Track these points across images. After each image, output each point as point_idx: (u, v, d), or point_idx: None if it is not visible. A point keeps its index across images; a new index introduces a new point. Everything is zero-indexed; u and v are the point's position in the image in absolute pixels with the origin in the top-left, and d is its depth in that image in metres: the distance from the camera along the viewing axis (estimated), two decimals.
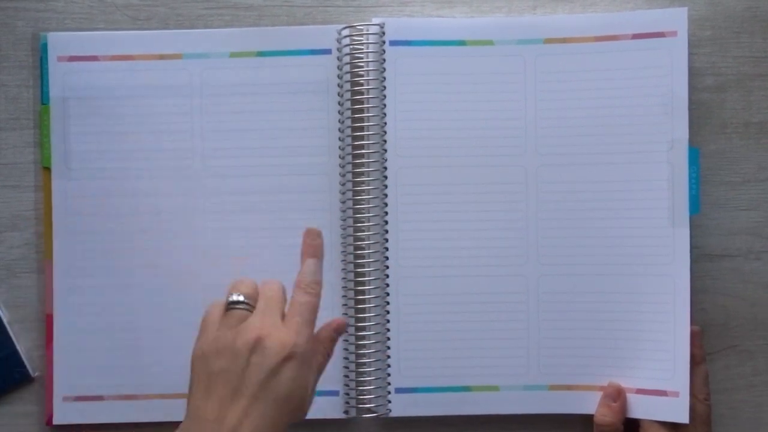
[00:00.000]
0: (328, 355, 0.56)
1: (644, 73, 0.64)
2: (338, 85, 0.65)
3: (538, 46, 0.64)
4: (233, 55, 0.65)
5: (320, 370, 0.55)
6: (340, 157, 0.65)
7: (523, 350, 0.64)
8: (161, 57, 0.65)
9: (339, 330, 0.57)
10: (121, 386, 0.65)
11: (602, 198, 0.64)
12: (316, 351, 0.54)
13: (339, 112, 0.65)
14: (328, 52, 0.65)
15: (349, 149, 0.64)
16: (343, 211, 0.65)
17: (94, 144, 0.65)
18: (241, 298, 0.53)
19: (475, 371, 0.64)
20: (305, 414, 0.52)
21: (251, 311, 0.53)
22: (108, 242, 0.65)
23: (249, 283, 0.55)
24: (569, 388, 0.64)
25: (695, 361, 0.63)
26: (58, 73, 0.65)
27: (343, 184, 0.65)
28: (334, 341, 0.56)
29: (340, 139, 0.65)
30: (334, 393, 0.65)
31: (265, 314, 0.53)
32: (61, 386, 0.65)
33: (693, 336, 0.63)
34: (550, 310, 0.64)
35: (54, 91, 0.65)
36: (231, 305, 0.53)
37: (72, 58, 0.65)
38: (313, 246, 0.57)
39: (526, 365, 0.64)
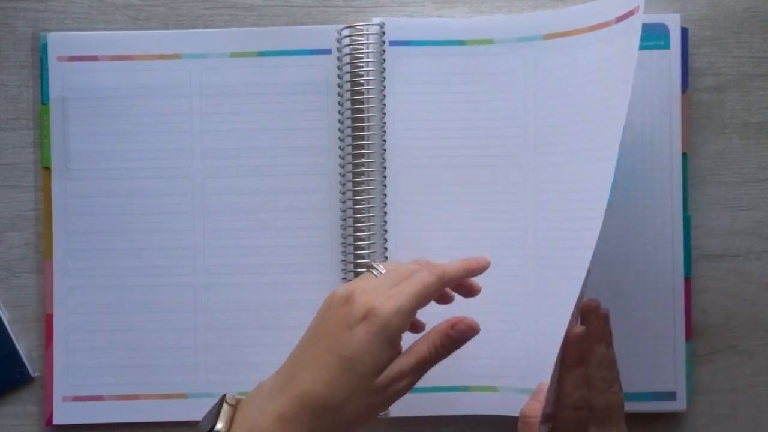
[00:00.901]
0: (434, 348, 0.52)
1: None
2: (338, 85, 0.65)
3: (539, 42, 0.64)
4: (233, 55, 0.65)
5: (419, 362, 0.52)
6: (340, 157, 0.65)
7: (523, 351, 0.64)
8: (161, 57, 0.65)
9: (460, 331, 0.53)
10: (121, 386, 0.65)
11: (601, 197, 0.64)
12: (404, 328, 0.51)
13: (339, 112, 0.65)
14: (328, 52, 0.65)
15: (349, 149, 0.64)
16: (343, 211, 0.65)
17: (93, 144, 0.65)
18: (376, 266, 0.54)
19: (474, 371, 0.64)
20: (380, 394, 0.50)
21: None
22: (108, 242, 0.65)
23: (400, 262, 0.55)
24: None
25: (567, 364, 0.55)
26: (58, 73, 0.65)
27: (343, 184, 0.65)
28: (449, 338, 0.53)
29: (340, 139, 0.65)
30: None
31: (379, 280, 0.52)
32: (60, 386, 0.65)
33: (574, 336, 0.54)
34: (549, 313, 0.64)
35: (54, 91, 0.65)
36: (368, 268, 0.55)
37: (72, 58, 0.65)
38: (478, 266, 0.57)
39: (526, 367, 0.64)
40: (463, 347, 0.64)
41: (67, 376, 0.65)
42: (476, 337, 0.63)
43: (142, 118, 0.65)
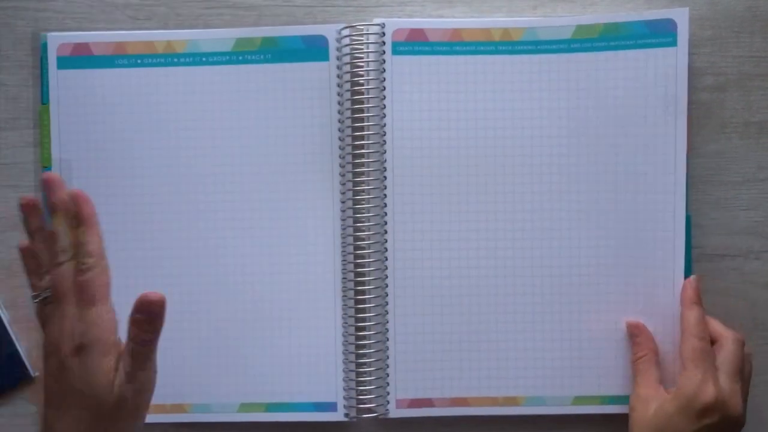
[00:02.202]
0: (133, 336, 0.51)
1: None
2: (338, 85, 0.65)
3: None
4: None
5: (134, 357, 0.51)
6: (340, 156, 0.65)
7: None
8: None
9: (139, 308, 0.51)
10: None
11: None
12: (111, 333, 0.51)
13: (339, 112, 0.65)
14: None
15: (349, 149, 0.64)
16: (343, 211, 0.65)
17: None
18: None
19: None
20: (134, 410, 0.51)
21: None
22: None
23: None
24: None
25: (687, 304, 0.62)
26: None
27: (343, 184, 0.65)
28: (135, 320, 0.51)
29: (340, 138, 0.65)
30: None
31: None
32: None
33: (689, 282, 0.62)
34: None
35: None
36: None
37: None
38: None
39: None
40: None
41: None
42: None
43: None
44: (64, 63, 0.65)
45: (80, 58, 0.65)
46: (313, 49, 0.65)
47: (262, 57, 0.65)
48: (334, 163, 0.65)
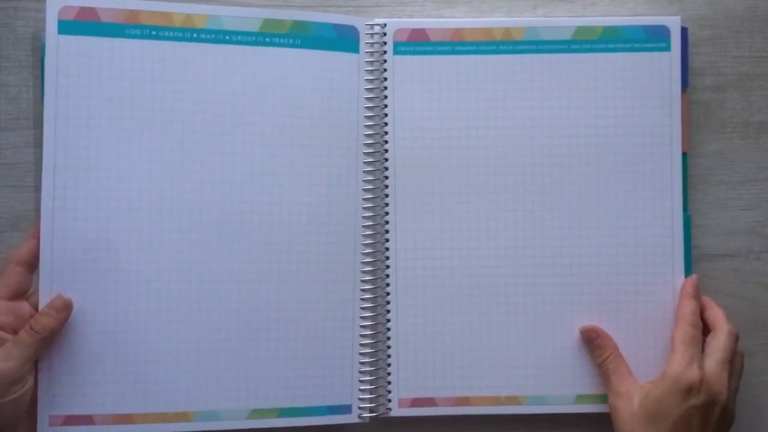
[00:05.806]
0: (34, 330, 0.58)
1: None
2: None
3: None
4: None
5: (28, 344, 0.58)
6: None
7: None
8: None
9: (55, 307, 0.59)
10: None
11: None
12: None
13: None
14: None
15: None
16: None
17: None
18: None
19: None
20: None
21: None
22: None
23: None
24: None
25: (684, 295, 0.63)
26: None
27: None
28: (44, 315, 0.59)
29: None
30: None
31: None
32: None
33: (687, 280, 0.63)
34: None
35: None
36: None
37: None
38: None
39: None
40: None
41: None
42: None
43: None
44: (66, 28, 0.59)
45: (85, 23, 0.60)
46: (343, 39, 0.63)
47: (291, 41, 0.61)
48: (334, 162, 0.64)
